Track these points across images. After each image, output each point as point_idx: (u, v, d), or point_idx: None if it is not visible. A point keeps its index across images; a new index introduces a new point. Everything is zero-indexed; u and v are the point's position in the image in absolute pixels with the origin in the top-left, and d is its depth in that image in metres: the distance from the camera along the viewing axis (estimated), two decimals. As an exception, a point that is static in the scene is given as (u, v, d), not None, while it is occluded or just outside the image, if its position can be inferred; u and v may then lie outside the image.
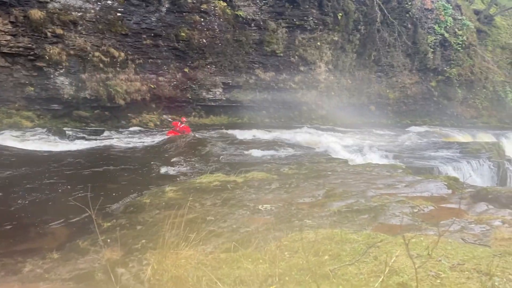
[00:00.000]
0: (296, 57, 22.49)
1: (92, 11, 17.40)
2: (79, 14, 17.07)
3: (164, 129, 17.78)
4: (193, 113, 20.28)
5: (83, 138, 14.44)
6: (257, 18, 21.43)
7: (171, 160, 11.29)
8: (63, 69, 16.73)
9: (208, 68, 20.49)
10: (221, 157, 12.01)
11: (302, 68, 22.74)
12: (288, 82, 22.43)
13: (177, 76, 19.67)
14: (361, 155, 13.28)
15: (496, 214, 5.59)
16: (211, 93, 20.66)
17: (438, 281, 3.06)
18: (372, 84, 25.53)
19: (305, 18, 22.35)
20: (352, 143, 15.69)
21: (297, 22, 22.23)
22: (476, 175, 13.07)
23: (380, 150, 14.29)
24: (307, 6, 22.30)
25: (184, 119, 17.07)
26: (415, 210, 5.73)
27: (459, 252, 3.69)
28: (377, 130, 21.41)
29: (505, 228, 4.76)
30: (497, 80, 28.74)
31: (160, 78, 19.25)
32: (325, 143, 14.90)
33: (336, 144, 14.89)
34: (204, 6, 19.95)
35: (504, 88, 28.67)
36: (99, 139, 14.46)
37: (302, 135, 17.14)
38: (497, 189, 7.00)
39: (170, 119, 18.74)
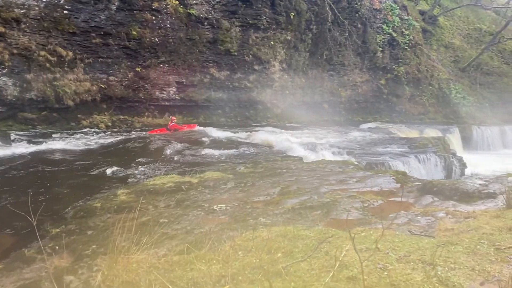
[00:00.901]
0: (250, 56, 22.59)
1: (37, 8, 16.64)
2: (22, 11, 16.28)
3: (116, 130, 17.33)
4: (146, 113, 19.89)
5: (29, 141, 13.79)
6: (210, 16, 21.31)
7: (124, 162, 11.01)
8: (6, 69, 15.88)
9: (161, 67, 20.16)
10: (176, 157, 11.86)
11: (256, 67, 22.89)
12: (243, 81, 22.50)
13: (129, 75, 19.21)
14: (315, 152, 13.48)
15: (441, 206, 5.86)
16: (164, 92, 20.35)
17: (385, 273, 3.17)
18: (324, 83, 26.14)
19: (258, 17, 22.49)
20: (307, 141, 15.96)
21: (250, 21, 22.33)
22: (423, 168, 13.62)
23: (333, 147, 14.63)
24: (260, 5, 22.45)
25: (174, 118, 18.03)
26: (365, 205, 5.91)
27: (406, 244, 3.84)
28: (330, 127, 21.94)
29: (448, 219, 5.00)
30: (441, 78, 30.20)
31: (111, 78, 18.72)
32: (281, 141, 15.07)
33: (291, 142, 15.08)
34: (155, 4, 19.59)
35: (448, 85, 30.17)
36: (48, 142, 13.85)
37: (258, 134, 17.25)
38: (441, 182, 7.36)
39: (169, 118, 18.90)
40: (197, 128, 18.45)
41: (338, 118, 25.62)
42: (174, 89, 20.66)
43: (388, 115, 27.89)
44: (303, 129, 20.51)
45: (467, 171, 15.28)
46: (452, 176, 14.39)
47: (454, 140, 22.34)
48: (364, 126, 23.66)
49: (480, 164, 17.50)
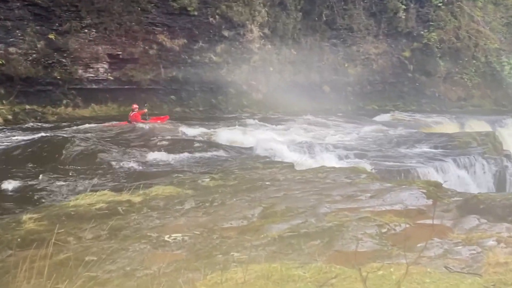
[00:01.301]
0: (217, 17, 22.63)
1: None
2: None
3: (19, 126, 17.06)
4: (64, 102, 19.69)
5: None
6: (158, -41, 21.29)
7: (32, 174, 10.83)
8: None
9: (85, 33, 19.98)
10: (109, 165, 11.73)
11: (226, 33, 22.95)
12: (207, 53, 22.52)
13: (38, 46, 18.96)
14: (312, 156, 13.59)
15: (490, 231, 5.86)
16: (91, 70, 20.18)
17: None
18: (325, 56, 26.42)
19: (228, -40, 22.57)
20: (300, 140, 15.97)
21: (216, -34, 22.41)
22: (465, 177, 13.91)
23: (337, 148, 14.64)
24: None
25: (136, 106, 18.77)
26: (384, 230, 5.91)
27: (441, 286, 3.87)
28: (333, 119, 22.08)
29: (501, 249, 5.01)
30: (490, 48, 30.72)
31: (11, 50, 18.45)
32: (263, 140, 15.05)
33: (277, 142, 15.02)
34: None
35: (500, 58, 30.74)
36: None
37: (230, 130, 17.19)
38: (491, 196, 7.26)
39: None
40: (168, 121, 19.17)
41: (344, 107, 25.96)
42: (106, 66, 20.53)
43: (415, 101, 28.43)
44: (294, 123, 20.57)
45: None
46: (507, 188, 14.55)
47: (509, 136, 22.74)
48: (381, 117, 24.02)
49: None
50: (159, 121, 19.11)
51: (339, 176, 9.79)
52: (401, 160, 14.01)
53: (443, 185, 9.01)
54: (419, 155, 14.92)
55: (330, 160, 13.30)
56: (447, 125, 22.67)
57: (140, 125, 18.07)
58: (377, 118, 23.88)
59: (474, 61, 30.41)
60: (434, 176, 12.38)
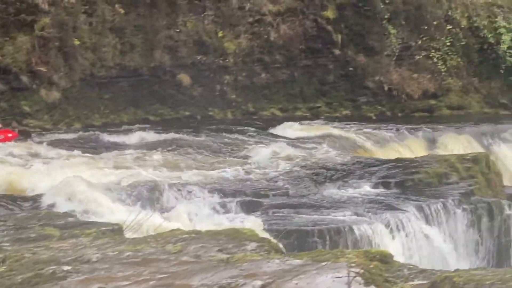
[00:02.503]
0: None
1: None
2: None
3: None
4: None
5: None
6: None
7: None
8: None
9: None
10: None
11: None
12: None
13: None
14: (159, 209, 10.86)
15: None
16: None
17: None
18: (180, 17, 20.26)
19: None
20: (135, 179, 12.33)
21: None
22: (438, 240, 11.37)
23: (207, 192, 11.62)
24: None
25: None
26: None
27: None
28: (198, 137, 17.21)
29: None
30: (476, 2, 23.02)
31: None
32: (63, 183, 11.50)
33: (91, 185, 11.56)
34: None
35: (493, 21, 22.81)
36: None
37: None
38: (476, 276, 5.69)
39: None
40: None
41: (220, 112, 20.15)
42: None
43: (348, 100, 21.69)
44: (123, 146, 16.26)
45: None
46: None
47: None
48: (287, 130, 18.74)
49: None
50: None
51: (206, 249, 7.48)
52: (323, 211, 11.52)
53: (394, 258, 6.75)
54: (357, 200, 12.11)
55: (192, 217, 10.77)
56: (405, 144, 17.91)
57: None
58: (279, 132, 18.29)
59: (449, 27, 22.27)
60: (383, 239, 10.39)
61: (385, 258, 6.36)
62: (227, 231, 8.15)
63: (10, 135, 16.87)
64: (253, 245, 7.18)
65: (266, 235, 8.74)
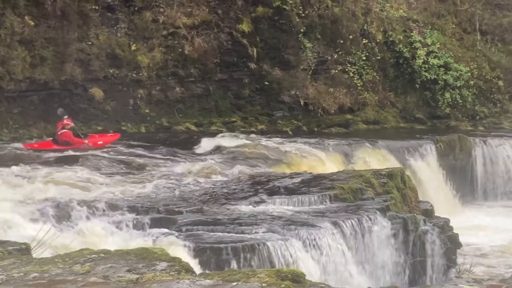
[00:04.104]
0: None
1: None
2: None
3: None
4: None
5: None
6: None
7: None
8: None
9: None
10: None
11: None
12: None
13: None
14: (68, 225, 10.31)
15: None
16: None
17: None
18: (92, 29, 19.60)
19: None
20: (43, 196, 11.83)
21: None
22: (353, 256, 11.09)
23: (119, 208, 11.21)
24: None
25: (68, 121, 16.91)
26: None
27: None
28: (111, 153, 16.72)
29: None
30: (391, 17, 23.22)
31: None
32: None
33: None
34: None
35: (408, 36, 23.11)
36: None
37: None
38: None
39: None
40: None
41: (133, 126, 19.91)
42: None
43: (264, 114, 21.60)
44: (30, 160, 15.57)
45: (460, 260, 12.81)
46: (428, 275, 12.18)
47: (428, 174, 18.75)
48: (201, 143, 18.17)
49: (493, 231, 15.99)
50: (100, 139, 17.39)
51: (115, 269, 7.09)
52: (238, 227, 10.98)
53: (308, 277, 6.99)
54: (272, 216, 11.63)
55: (102, 235, 10.29)
56: (321, 159, 17.75)
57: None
58: (194, 147, 17.89)
59: (365, 41, 22.54)
60: (298, 255, 9.99)
61: (297, 278, 6.46)
62: (137, 251, 7.98)
63: None
64: (163, 264, 7.05)
65: (179, 252, 8.61)
